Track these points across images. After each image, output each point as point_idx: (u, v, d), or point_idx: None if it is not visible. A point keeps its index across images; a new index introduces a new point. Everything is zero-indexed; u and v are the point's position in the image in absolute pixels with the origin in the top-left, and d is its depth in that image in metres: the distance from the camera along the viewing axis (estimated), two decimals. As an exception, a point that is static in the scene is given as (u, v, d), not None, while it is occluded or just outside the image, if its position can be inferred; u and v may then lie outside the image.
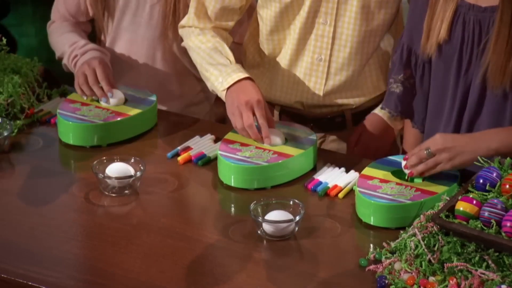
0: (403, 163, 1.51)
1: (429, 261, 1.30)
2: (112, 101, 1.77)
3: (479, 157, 1.43)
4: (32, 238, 1.45)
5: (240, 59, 1.81)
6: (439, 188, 1.49)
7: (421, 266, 1.31)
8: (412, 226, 1.38)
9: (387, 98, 1.66)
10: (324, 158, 1.67)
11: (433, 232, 1.34)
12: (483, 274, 1.26)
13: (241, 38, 1.88)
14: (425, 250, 1.31)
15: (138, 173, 1.58)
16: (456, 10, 1.51)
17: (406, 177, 1.51)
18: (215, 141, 1.74)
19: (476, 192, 1.38)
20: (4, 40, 1.89)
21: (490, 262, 1.27)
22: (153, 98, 1.81)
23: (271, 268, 1.38)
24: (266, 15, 1.73)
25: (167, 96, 1.93)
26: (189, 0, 1.80)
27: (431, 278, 1.29)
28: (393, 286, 1.31)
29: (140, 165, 1.59)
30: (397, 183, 1.51)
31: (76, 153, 1.71)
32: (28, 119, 1.81)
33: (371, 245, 1.42)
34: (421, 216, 1.39)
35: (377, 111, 1.73)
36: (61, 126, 1.75)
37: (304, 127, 1.70)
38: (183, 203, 1.56)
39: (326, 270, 1.37)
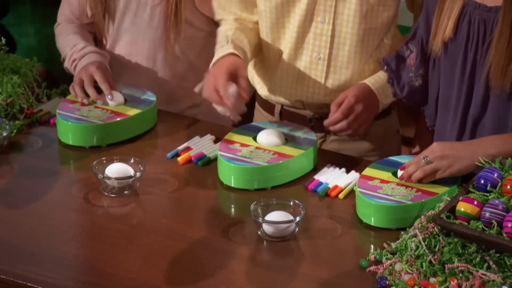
0: (400, 173, 1.51)
1: (430, 262, 1.30)
2: (111, 103, 1.77)
3: (480, 158, 1.43)
4: (31, 238, 1.44)
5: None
6: (440, 189, 1.49)
7: (422, 267, 1.30)
8: (413, 227, 1.38)
9: (409, 94, 1.65)
10: (325, 159, 1.67)
11: (434, 233, 1.33)
12: (484, 275, 1.26)
13: None
14: (426, 251, 1.31)
15: (138, 174, 1.57)
16: (462, 8, 1.51)
17: None
18: (215, 141, 1.74)
19: (477, 192, 1.38)
20: (3, 40, 1.89)
21: (491, 263, 1.27)
22: (153, 98, 1.81)
23: (271, 269, 1.38)
24: (265, 7, 1.72)
25: (167, 97, 1.92)
26: (190, 1, 1.79)
27: (432, 279, 1.29)
28: (394, 287, 1.31)
29: (139, 166, 1.59)
30: (397, 184, 1.51)
31: (75, 153, 1.71)
32: (27, 119, 1.81)
33: (372, 246, 1.42)
34: (422, 216, 1.39)
35: (366, 81, 1.71)
36: (61, 127, 1.74)
37: (304, 127, 1.70)
38: (183, 204, 1.56)
39: (327, 271, 1.36)
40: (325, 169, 1.64)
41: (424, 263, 1.30)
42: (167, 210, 1.54)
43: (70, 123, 1.73)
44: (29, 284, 1.34)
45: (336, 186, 1.58)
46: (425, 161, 1.47)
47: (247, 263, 1.39)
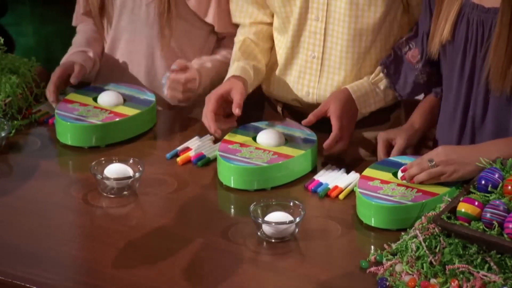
0: (400, 174, 1.51)
1: (431, 263, 1.30)
2: (109, 102, 1.76)
3: (481, 158, 1.42)
4: (30, 239, 1.44)
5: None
6: (441, 189, 1.49)
7: (423, 268, 1.30)
8: (413, 228, 1.38)
9: (412, 91, 1.65)
10: (325, 159, 1.66)
11: (435, 233, 1.33)
12: (485, 276, 1.26)
13: None
14: (427, 251, 1.31)
15: (137, 174, 1.57)
16: (460, 10, 1.50)
17: None
18: (215, 141, 1.73)
19: (478, 193, 1.38)
20: (2, 40, 1.88)
21: (492, 264, 1.27)
22: (152, 98, 1.81)
23: (271, 270, 1.38)
24: (272, 4, 1.73)
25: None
26: None
27: (433, 280, 1.28)
28: (394, 288, 1.30)
29: (139, 166, 1.58)
30: (398, 184, 1.51)
31: (74, 153, 1.71)
32: (25, 120, 1.80)
33: (372, 247, 1.41)
34: (423, 217, 1.38)
35: (349, 87, 1.70)
36: (59, 127, 1.74)
37: (304, 128, 1.69)
38: (182, 204, 1.55)
39: (327, 272, 1.36)
40: (325, 169, 1.64)
41: (424, 264, 1.30)
42: (166, 210, 1.54)
43: (68, 123, 1.72)
44: (28, 285, 1.34)
45: (336, 187, 1.58)
46: (431, 164, 1.46)
47: (246, 264, 1.39)
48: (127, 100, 1.81)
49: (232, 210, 1.57)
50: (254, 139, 1.66)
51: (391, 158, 1.59)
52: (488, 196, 1.36)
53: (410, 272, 1.31)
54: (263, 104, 1.90)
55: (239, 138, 1.65)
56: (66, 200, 1.56)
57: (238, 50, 1.76)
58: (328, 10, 1.68)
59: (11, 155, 1.70)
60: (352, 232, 1.47)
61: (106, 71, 1.96)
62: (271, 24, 1.80)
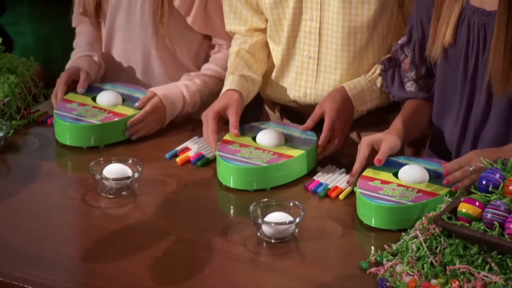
0: (401, 174, 1.50)
1: (431, 263, 1.29)
2: (108, 102, 1.75)
3: (482, 158, 1.42)
4: (28, 240, 1.44)
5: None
6: (441, 190, 1.48)
7: (423, 268, 1.29)
8: (414, 228, 1.37)
9: (406, 95, 1.65)
10: (325, 159, 1.66)
11: (435, 234, 1.32)
12: (486, 276, 1.25)
13: None
14: (427, 252, 1.30)
15: (136, 174, 1.56)
16: (461, 13, 1.50)
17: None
18: (214, 141, 1.73)
19: (479, 193, 1.37)
20: (0, 39, 1.87)
21: (493, 264, 1.26)
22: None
23: (271, 270, 1.37)
24: (264, 6, 1.73)
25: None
26: None
27: (433, 281, 1.28)
28: (395, 289, 1.30)
29: (137, 166, 1.58)
30: (398, 185, 1.50)
31: (73, 154, 1.70)
32: (24, 120, 1.80)
33: (372, 247, 1.41)
34: (423, 218, 1.38)
35: (345, 85, 1.70)
36: (58, 127, 1.73)
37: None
38: (182, 205, 1.55)
39: (327, 273, 1.36)
40: (325, 169, 1.63)
41: (425, 265, 1.29)
42: (166, 211, 1.53)
43: (67, 123, 1.72)
44: (26, 286, 1.33)
45: (336, 187, 1.57)
46: (472, 170, 1.44)
47: (246, 265, 1.38)
48: (126, 100, 1.80)
49: (232, 211, 1.57)
50: (254, 139, 1.65)
51: (391, 158, 1.58)
52: (489, 197, 1.35)
53: (411, 273, 1.30)
54: (262, 105, 1.90)
55: (238, 138, 1.65)
56: (65, 200, 1.55)
57: (233, 62, 1.75)
58: (322, 9, 1.68)
59: (10, 155, 1.70)
60: (352, 232, 1.46)
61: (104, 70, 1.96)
62: (265, 30, 1.79)
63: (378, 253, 1.38)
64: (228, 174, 1.58)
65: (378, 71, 1.70)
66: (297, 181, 1.60)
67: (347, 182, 1.56)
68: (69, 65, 1.88)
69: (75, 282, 1.35)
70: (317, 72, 1.73)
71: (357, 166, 1.53)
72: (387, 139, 1.55)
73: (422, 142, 1.73)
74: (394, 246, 1.38)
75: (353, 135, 1.78)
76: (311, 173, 1.63)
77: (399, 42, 1.65)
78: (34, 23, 2.11)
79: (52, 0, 2.07)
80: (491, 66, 1.46)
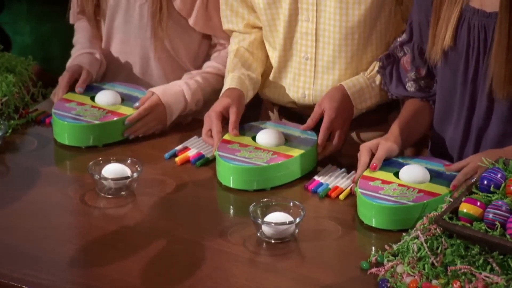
0: (402, 174, 1.50)
1: (432, 264, 1.29)
2: (107, 102, 1.75)
3: (483, 158, 1.42)
4: (27, 240, 1.43)
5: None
6: (442, 190, 1.48)
7: (424, 269, 1.29)
8: (414, 228, 1.37)
9: (404, 93, 1.65)
10: (325, 159, 1.65)
11: (436, 234, 1.32)
12: (488, 277, 1.25)
13: None
14: (428, 252, 1.30)
15: (135, 174, 1.56)
16: (460, 15, 1.49)
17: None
18: (214, 141, 1.72)
19: (480, 193, 1.36)
20: (-2, 38, 1.87)
21: (494, 265, 1.26)
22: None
23: (271, 271, 1.37)
24: (258, 6, 1.73)
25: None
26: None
27: (434, 282, 1.27)
28: (396, 289, 1.29)
29: (136, 166, 1.57)
30: (399, 185, 1.50)
31: (71, 153, 1.70)
32: (22, 119, 1.80)
33: (373, 248, 1.41)
34: (424, 218, 1.37)
35: (344, 83, 1.70)
36: (56, 126, 1.73)
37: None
38: (181, 205, 1.54)
39: (327, 273, 1.35)
40: (326, 169, 1.63)
41: (426, 265, 1.29)
42: (165, 211, 1.53)
43: (66, 122, 1.71)
44: (25, 287, 1.32)
45: (336, 187, 1.57)
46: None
47: (246, 265, 1.38)
48: (125, 99, 1.80)
49: (232, 211, 1.56)
50: (254, 138, 1.65)
51: (392, 158, 1.58)
52: (490, 197, 1.35)
53: (412, 273, 1.30)
54: (260, 105, 1.90)
55: (238, 138, 1.64)
56: (63, 200, 1.55)
57: (232, 60, 1.75)
58: (318, 10, 1.68)
59: (8, 155, 1.69)
60: (352, 232, 1.46)
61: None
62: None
63: (378, 254, 1.37)
64: (228, 174, 1.57)
65: (376, 68, 1.69)
66: (297, 181, 1.60)
67: (351, 191, 1.55)
68: (70, 63, 1.88)
69: (74, 282, 1.35)
70: (314, 73, 1.72)
71: (359, 173, 1.52)
72: (383, 145, 1.54)
73: (424, 142, 1.73)
74: (395, 247, 1.37)
75: (353, 135, 1.78)
76: (311, 173, 1.62)
77: (399, 39, 1.65)
78: (32, 22, 2.11)
79: (51, -1, 2.07)
80: (492, 71, 1.46)
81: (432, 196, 1.46)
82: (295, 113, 1.79)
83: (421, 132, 1.65)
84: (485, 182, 1.37)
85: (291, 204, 1.46)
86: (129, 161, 1.58)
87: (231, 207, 1.57)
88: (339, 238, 1.44)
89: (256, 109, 1.88)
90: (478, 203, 1.32)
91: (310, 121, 1.66)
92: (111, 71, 1.92)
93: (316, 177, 1.60)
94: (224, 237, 1.44)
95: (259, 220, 1.43)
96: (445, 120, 1.59)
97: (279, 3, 1.70)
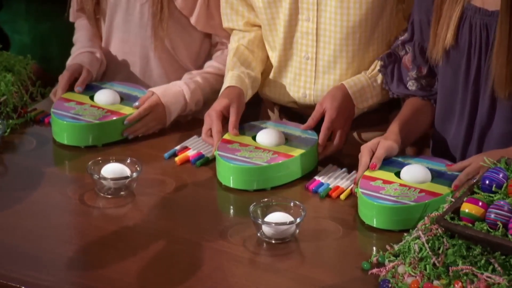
0: (404, 174, 1.49)
1: (434, 264, 1.28)
2: (106, 101, 1.74)
3: (485, 158, 1.41)
4: (25, 241, 1.42)
5: None
6: (444, 189, 1.47)
7: (426, 269, 1.28)
8: (416, 229, 1.36)
9: (405, 92, 1.64)
10: (326, 159, 1.65)
11: (438, 234, 1.31)
12: (489, 277, 1.24)
13: None
14: (430, 253, 1.29)
15: (135, 174, 1.55)
16: (462, 13, 1.49)
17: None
18: (214, 141, 1.72)
19: (482, 193, 1.36)
20: (-4, 38, 1.87)
21: (496, 265, 1.25)
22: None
23: (271, 271, 1.36)
24: (258, 5, 1.72)
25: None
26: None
27: (436, 282, 1.27)
28: (397, 290, 1.29)
29: (136, 166, 1.57)
30: (400, 184, 1.49)
31: (70, 153, 1.69)
32: (21, 119, 1.79)
33: (374, 248, 1.40)
34: (426, 218, 1.37)
35: (345, 82, 1.69)
36: (55, 126, 1.72)
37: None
38: (181, 205, 1.54)
39: (328, 274, 1.35)
40: (326, 169, 1.62)
41: (427, 266, 1.28)
42: (165, 211, 1.52)
43: (65, 122, 1.70)
44: (24, 288, 1.32)
45: (337, 187, 1.56)
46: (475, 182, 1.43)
47: (246, 266, 1.37)
48: (124, 98, 1.79)
49: (232, 211, 1.56)
50: (254, 138, 1.64)
51: (393, 158, 1.57)
52: (492, 196, 1.35)
53: (413, 274, 1.29)
54: (260, 105, 1.89)
55: (238, 137, 1.64)
56: (63, 200, 1.54)
57: (232, 59, 1.74)
58: (319, 9, 1.67)
59: (6, 154, 1.69)
60: (353, 233, 1.45)
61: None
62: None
63: (379, 254, 1.37)
64: (228, 174, 1.57)
65: (378, 67, 1.69)
66: (297, 181, 1.59)
67: (352, 192, 1.54)
68: (70, 61, 1.87)
69: (73, 283, 1.34)
70: (315, 72, 1.72)
71: (360, 174, 1.52)
72: (382, 144, 1.54)
73: (425, 142, 1.72)
74: (396, 247, 1.36)
75: (354, 135, 1.77)
76: (312, 172, 1.61)
77: (400, 38, 1.64)
78: (31, 21, 2.10)
79: (49, -2, 2.07)
80: (494, 71, 1.45)
81: (433, 196, 1.45)
82: (296, 112, 1.79)
83: (421, 131, 1.65)
84: (487, 182, 1.36)
85: (292, 204, 1.45)
86: (128, 161, 1.58)
87: (231, 207, 1.56)
88: (340, 238, 1.44)
89: (256, 108, 1.88)
90: (480, 203, 1.31)
91: (311, 121, 1.66)
92: (111, 70, 1.92)
93: (316, 177, 1.60)
94: (224, 237, 1.43)
95: (259, 220, 1.42)
96: (447, 120, 1.59)
97: (279, 2, 1.70)
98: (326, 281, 1.33)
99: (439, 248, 1.29)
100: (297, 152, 1.60)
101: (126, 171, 1.56)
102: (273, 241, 1.42)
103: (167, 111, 1.75)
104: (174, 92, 1.78)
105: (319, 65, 1.71)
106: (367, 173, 1.53)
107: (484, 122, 1.53)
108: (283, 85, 1.77)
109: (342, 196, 1.55)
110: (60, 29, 2.08)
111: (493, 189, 1.35)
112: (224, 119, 1.67)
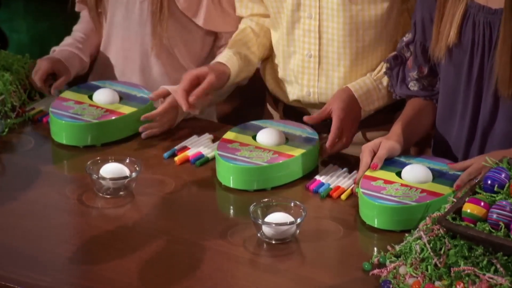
0: (405, 175, 1.49)
1: (435, 265, 1.28)
2: (105, 100, 1.74)
3: (487, 158, 1.40)
4: (23, 241, 1.42)
5: None
6: (446, 189, 1.47)
7: (427, 270, 1.28)
8: (417, 229, 1.36)
9: (407, 96, 1.64)
10: (327, 159, 1.64)
11: (440, 235, 1.31)
12: (491, 278, 1.24)
13: None
14: (431, 253, 1.29)
15: (134, 174, 1.55)
16: (465, 11, 1.48)
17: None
18: (213, 140, 1.71)
19: (484, 193, 1.35)
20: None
21: (498, 266, 1.25)
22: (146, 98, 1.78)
23: (271, 272, 1.36)
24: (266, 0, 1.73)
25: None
26: None
27: (437, 283, 1.27)
28: (398, 291, 1.28)
29: (135, 166, 1.56)
30: (401, 184, 1.49)
31: (69, 153, 1.68)
32: (19, 118, 1.78)
33: (375, 249, 1.40)
34: (427, 218, 1.36)
35: (350, 86, 1.68)
36: (54, 125, 1.72)
37: (305, 126, 1.67)
38: (180, 205, 1.53)
39: (328, 275, 1.34)
40: (327, 169, 1.62)
41: (429, 266, 1.28)
42: (164, 211, 1.52)
43: (63, 121, 1.70)
44: (21, 288, 1.31)
45: (338, 187, 1.56)
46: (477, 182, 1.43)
47: (246, 266, 1.37)
48: (123, 98, 1.79)
49: (232, 211, 1.55)
50: (254, 138, 1.64)
51: (395, 158, 1.56)
52: (494, 197, 1.34)
53: (414, 275, 1.29)
54: (263, 102, 1.88)
55: (238, 137, 1.63)
56: (61, 200, 1.54)
57: (234, 37, 1.75)
58: (321, 6, 1.66)
59: (4, 154, 1.68)
60: (354, 233, 1.45)
61: (102, 67, 1.94)
62: None
63: (381, 255, 1.36)
64: (228, 174, 1.56)
65: (383, 70, 1.68)
66: (298, 181, 1.58)
67: (352, 192, 1.53)
68: (58, 51, 1.86)
69: (72, 284, 1.34)
70: (319, 70, 1.71)
71: (360, 174, 1.51)
72: (384, 144, 1.53)
73: (426, 142, 1.72)
74: (397, 247, 1.36)
75: (358, 134, 1.76)
76: (312, 172, 1.61)
77: (404, 39, 1.63)
78: (29, 20, 2.10)
79: (48, -4, 2.06)
80: (497, 70, 1.45)
81: (435, 196, 1.45)
82: (300, 112, 1.78)
83: (423, 131, 1.64)
84: (489, 182, 1.36)
85: (292, 204, 1.45)
86: (127, 160, 1.57)
87: (231, 207, 1.56)
88: (341, 239, 1.43)
89: (259, 107, 1.87)
90: (482, 203, 1.31)
91: (316, 115, 1.63)
92: (111, 67, 1.91)
93: (317, 177, 1.59)
94: (224, 237, 1.43)
95: (260, 220, 1.42)
96: (449, 119, 1.58)
97: None
98: (327, 282, 1.33)
99: (440, 249, 1.29)
100: (297, 152, 1.59)
101: (125, 171, 1.55)
102: (274, 242, 1.41)
103: (179, 112, 1.74)
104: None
105: (323, 63, 1.70)
106: (368, 173, 1.52)
107: (487, 122, 1.52)
108: (286, 83, 1.76)
109: (343, 196, 1.54)
110: (58, 28, 2.07)
111: (495, 189, 1.35)
112: (196, 86, 1.65)
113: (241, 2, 1.78)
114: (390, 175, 1.51)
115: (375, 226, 1.45)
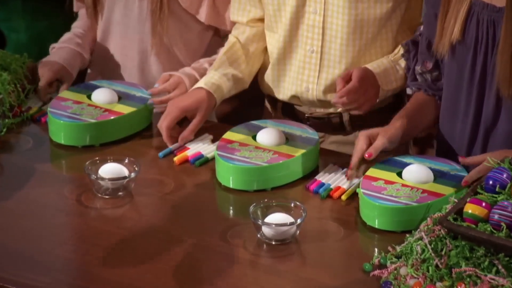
0: (406, 175, 1.48)
1: (437, 266, 1.27)
2: (103, 100, 1.74)
3: (488, 158, 1.40)
4: (22, 242, 1.41)
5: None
6: (447, 190, 1.46)
7: (428, 271, 1.27)
8: (418, 230, 1.35)
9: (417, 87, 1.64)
10: (327, 159, 1.64)
11: (441, 235, 1.30)
12: (493, 279, 1.23)
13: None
14: (432, 254, 1.28)
15: (133, 174, 1.54)
16: (470, 8, 1.48)
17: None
18: (213, 140, 1.71)
19: (486, 193, 1.35)
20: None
21: (500, 267, 1.24)
22: (148, 95, 1.78)
23: (271, 273, 1.35)
24: None
25: (163, 94, 1.89)
26: None
27: (439, 284, 1.26)
28: (399, 292, 1.28)
29: (134, 166, 1.55)
30: (402, 185, 1.48)
31: (67, 153, 1.68)
32: (17, 118, 1.78)
33: (376, 249, 1.39)
34: (428, 219, 1.36)
35: (368, 65, 1.67)
36: (52, 125, 1.71)
37: (305, 126, 1.67)
38: (180, 206, 1.53)
39: (329, 275, 1.34)
40: (327, 169, 1.61)
41: (430, 267, 1.27)
42: (163, 212, 1.51)
43: (62, 121, 1.69)
44: (19, 289, 1.31)
45: (338, 187, 1.55)
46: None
47: (246, 267, 1.36)
48: (122, 97, 1.78)
49: (231, 212, 1.55)
50: (254, 138, 1.63)
51: (395, 158, 1.56)
52: (496, 197, 1.34)
53: (415, 276, 1.28)
54: (262, 102, 1.88)
55: (238, 137, 1.63)
56: (59, 201, 1.53)
57: (222, 56, 1.74)
58: (326, 2, 1.66)
59: (2, 154, 1.67)
60: (355, 234, 1.44)
61: (100, 65, 1.94)
62: None
63: (381, 255, 1.36)
64: (228, 174, 1.56)
65: (401, 52, 1.67)
66: (298, 181, 1.58)
67: (346, 176, 1.53)
68: (55, 49, 1.86)
69: (70, 284, 1.33)
70: (320, 66, 1.71)
71: (355, 159, 1.51)
72: (383, 134, 1.52)
73: (428, 142, 1.71)
74: (398, 248, 1.36)
75: (356, 135, 1.76)
76: (313, 173, 1.60)
77: (421, 28, 1.63)
78: (27, 19, 2.09)
79: (46, -5, 2.06)
80: (498, 68, 1.44)
81: (436, 197, 1.44)
82: (298, 111, 1.77)
83: (423, 126, 1.63)
84: (491, 182, 1.35)
85: (292, 204, 1.44)
86: (126, 160, 1.56)
87: (231, 207, 1.55)
88: (341, 240, 1.43)
89: (257, 107, 1.87)
90: (483, 204, 1.30)
91: (340, 79, 1.59)
92: (109, 65, 1.91)
93: (317, 177, 1.58)
94: (223, 238, 1.42)
95: (260, 221, 1.41)
96: (452, 118, 1.58)
97: None
98: (327, 282, 1.32)
99: (442, 250, 1.28)
100: (297, 152, 1.58)
101: (124, 171, 1.54)
102: (273, 242, 1.41)
103: (188, 88, 1.75)
104: (189, 73, 1.78)
105: (324, 59, 1.70)
106: (369, 173, 1.52)
107: (489, 121, 1.52)
108: (286, 78, 1.76)
109: (343, 197, 1.53)
110: (57, 27, 2.07)
111: (497, 189, 1.34)
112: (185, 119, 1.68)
113: (240, 4, 1.77)
114: (391, 176, 1.50)
115: (376, 226, 1.44)
